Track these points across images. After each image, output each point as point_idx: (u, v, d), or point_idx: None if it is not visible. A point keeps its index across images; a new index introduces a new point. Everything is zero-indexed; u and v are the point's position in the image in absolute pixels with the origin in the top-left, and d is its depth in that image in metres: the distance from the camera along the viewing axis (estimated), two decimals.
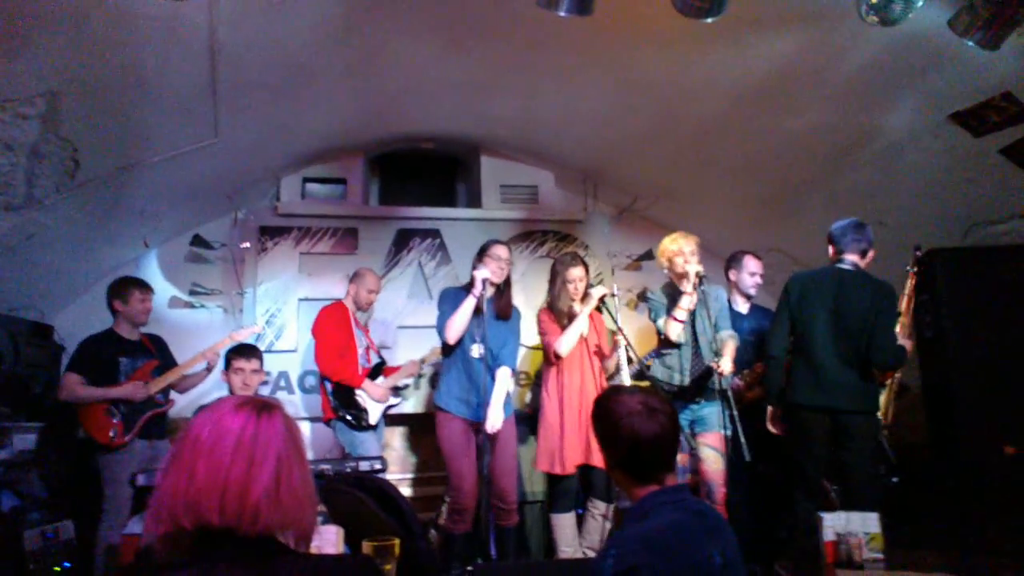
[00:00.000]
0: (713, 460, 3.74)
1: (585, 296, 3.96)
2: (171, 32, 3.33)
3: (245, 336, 4.35)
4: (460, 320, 3.76)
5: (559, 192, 5.99)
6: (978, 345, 4.03)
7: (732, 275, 4.38)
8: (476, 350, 3.78)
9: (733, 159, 4.85)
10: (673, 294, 3.95)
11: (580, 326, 3.84)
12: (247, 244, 5.33)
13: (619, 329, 3.88)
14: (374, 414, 4.34)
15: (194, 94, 3.88)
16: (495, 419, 3.75)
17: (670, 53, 3.86)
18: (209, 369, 4.29)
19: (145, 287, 4.20)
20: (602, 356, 3.99)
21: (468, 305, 3.75)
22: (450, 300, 3.89)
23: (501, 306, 3.93)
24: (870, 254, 3.66)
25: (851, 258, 3.60)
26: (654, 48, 3.83)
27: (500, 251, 3.93)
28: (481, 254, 3.94)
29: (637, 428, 1.75)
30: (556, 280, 4.00)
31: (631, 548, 1.59)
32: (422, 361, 4.73)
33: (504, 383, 3.88)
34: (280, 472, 1.24)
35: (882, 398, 3.81)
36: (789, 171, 4.78)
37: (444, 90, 4.59)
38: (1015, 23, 3.03)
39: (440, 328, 3.85)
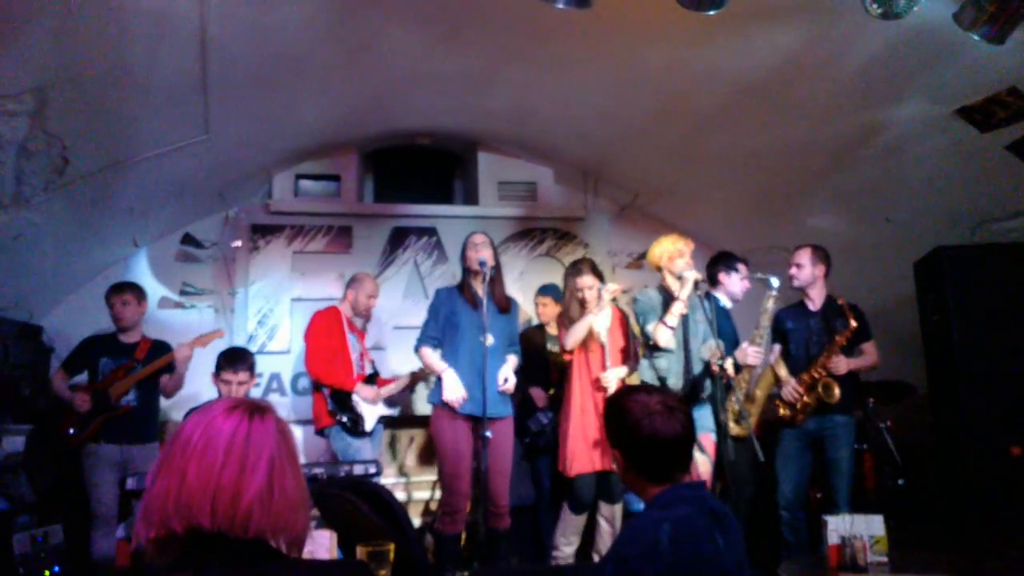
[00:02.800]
0: (701, 463, 3.73)
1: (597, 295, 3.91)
2: (160, 25, 3.27)
3: (208, 342, 4.20)
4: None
5: (558, 189, 5.93)
6: (985, 345, 3.99)
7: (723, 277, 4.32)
8: (489, 339, 3.72)
9: (735, 155, 4.82)
10: (665, 297, 3.91)
11: (587, 322, 3.80)
12: (238, 243, 5.27)
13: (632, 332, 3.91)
14: (370, 420, 4.28)
15: (184, 89, 3.81)
16: (509, 375, 3.87)
17: (671, 46, 3.81)
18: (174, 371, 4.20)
19: (121, 291, 4.18)
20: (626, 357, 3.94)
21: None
22: (438, 306, 3.92)
23: (498, 298, 3.88)
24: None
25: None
26: (654, 41, 3.78)
27: (475, 238, 3.94)
28: (465, 243, 3.98)
29: (658, 428, 1.70)
30: (565, 292, 3.99)
31: (641, 532, 1.58)
32: (415, 376, 4.61)
33: (512, 365, 3.92)
34: (273, 475, 1.21)
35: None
36: (792, 167, 4.75)
37: (439, 84, 4.54)
38: (1020, 17, 2.99)
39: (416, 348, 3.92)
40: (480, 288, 3.84)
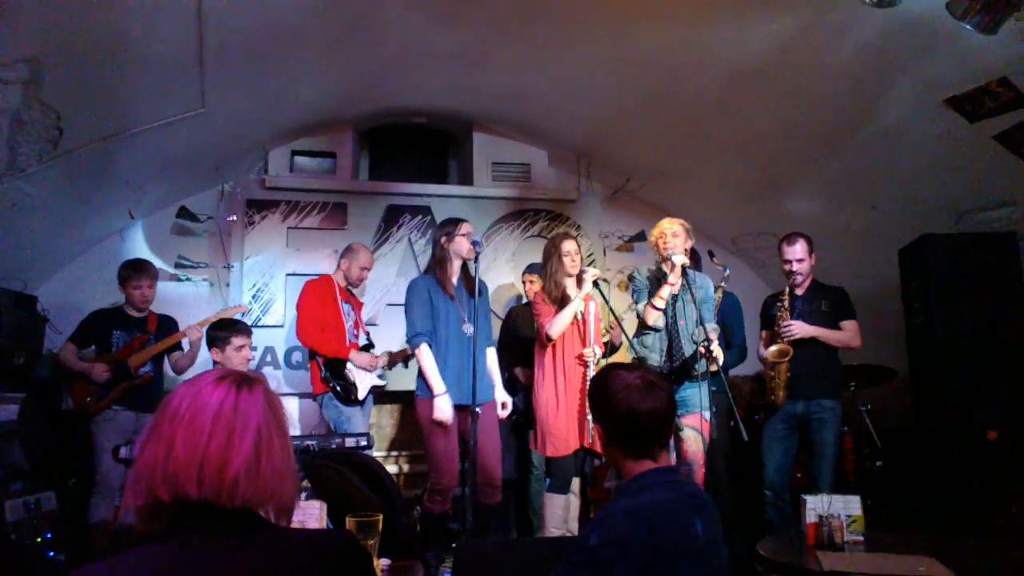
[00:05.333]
0: (693, 440, 3.77)
1: (579, 279, 3.93)
2: None
3: (232, 314, 4.30)
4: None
5: (552, 171, 5.95)
6: (966, 331, 4.05)
7: None
8: (468, 328, 3.75)
9: (727, 139, 4.83)
10: (657, 278, 3.95)
11: (573, 309, 3.81)
12: (234, 217, 5.28)
13: (613, 315, 3.90)
14: (362, 388, 4.32)
15: (181, 62, 3.80)
16: (504, 397, 3.90)
17: (666, 29, 3.81)
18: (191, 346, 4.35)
19: (141, 273, 4.28)
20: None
21: None
22: (417, 297, 3.83)
23: (470, 285, 3.89)
24: None
25: None
26: (650, 23, 3.78)
27: (469, 227, 3.88)
28: (451, 232, 3.85)
29: (634, 402, 1.74)
30: (551, 259, 3.96)
31: (618, 519, 1.60)
32: (396, 357, 4.64)
33: (495, 363, 3.96)
34: (260, 445, 1.22)
35: None
36: (783, 153, 4.76)
37: (436, 63, 4.54)
38: (1013, 7, 3.01)
39: (410, 336, 3.80)
40: (456, 274, 3.86)
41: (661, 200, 5.89)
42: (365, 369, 4.35)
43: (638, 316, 3.95)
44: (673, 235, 3.89)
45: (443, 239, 3.86)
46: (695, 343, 3.86)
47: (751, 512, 4.33)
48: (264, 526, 1.23)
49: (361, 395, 4.32)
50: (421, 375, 3.75)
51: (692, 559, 1.62)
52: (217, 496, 1.17)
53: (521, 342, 4.51)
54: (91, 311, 4.30)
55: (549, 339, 3.81)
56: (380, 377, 4.55)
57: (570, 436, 3.75)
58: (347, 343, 4.35)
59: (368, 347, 4.53)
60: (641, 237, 5.76)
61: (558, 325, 3.79)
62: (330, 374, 4.27)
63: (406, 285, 5.26)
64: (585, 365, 3.80)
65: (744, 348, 4.38)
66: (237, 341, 3.78)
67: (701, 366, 3.85)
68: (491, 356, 3.99)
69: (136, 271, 4.29)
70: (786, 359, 3.86)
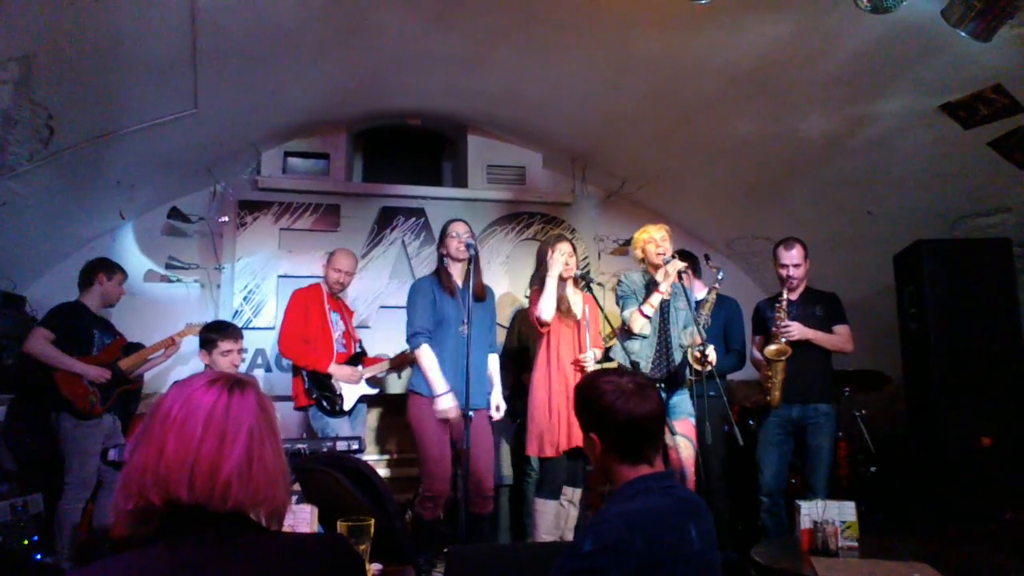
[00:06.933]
0: (684, 447, 3.76)
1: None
2: None
3: (159, 348, 4.43)
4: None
5: (547, 174, 5.94)
6: (960, 336, 4.06)
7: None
8: (463, 330, 3.73)
9: (721, 144, 4.84)
10: (646, 283, 3.93)
11: (552, 286, 3.79)
12: (226, 218, 5.25)
13: (610, 324, 3.90)
14: (349, 399, 4.28)
15: (173, 62, 3.78)
16: (498, 400, 3.89)
17: (662, 32, 3.82)
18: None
19: (119, 270, 4.38)
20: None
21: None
22: (421, 295, 3.83)
23: (476, 287, 3.87)
24: None
25: None
26: (646, 27, 3.78)
27: (457, 227, 3.90)
28: (442, 237, 3.92)
29: (633, 408, 1.72)
30: (545, 261, 3.95)
31: (612, 525, 1.58)
32: (401, 360, 4.62)
33: (496, 370, 3.95)
34: (252, 449, 1.21)
35: None
36: (777, 158, 4.77)
37: (431, 64, 4.52)
38: (1008, 15, 3.02)
39: (408, 335, 3.79)
40: (459, 276, 3.84)
41: (656, 204, 5.89)
42: (348, 381, 4.32)
43: (623, 322, 3.94)
44: (662, 239, 3.90)
45: (439, 246, 3.91)
46: (682, 347, 3.86)
47: (746, 518, 4.33)
48: (255, 530, 1.22)
49: (347, 405, 4.29)
50: (420, 373, 3.73)
51: (686, 565, 1.60)
52: (208, 499, 1.16)
53: (527, 348, 4.49)
54: (61, 303, 4.17)
55: (543, 323, 3.79)
56: (372, 386, 4.52)
57: (562, 437, 3.72)
58: (334, 354, 4.31)
59: (359, 356, 4.49)
60: None
61: (545, 305, 3.77)
62: (313, 385, 4.24)
63: (399, 287, 5.34)
64: (583, 371, 3.78)
65: (743, 353, 4.38)
66: (224, 345, 3.73)
67: (686, 374, 3.85)
68: (492, 362, 3.98)
69: (119, 267, 4.34)
70: (784, 358, 3.88)
